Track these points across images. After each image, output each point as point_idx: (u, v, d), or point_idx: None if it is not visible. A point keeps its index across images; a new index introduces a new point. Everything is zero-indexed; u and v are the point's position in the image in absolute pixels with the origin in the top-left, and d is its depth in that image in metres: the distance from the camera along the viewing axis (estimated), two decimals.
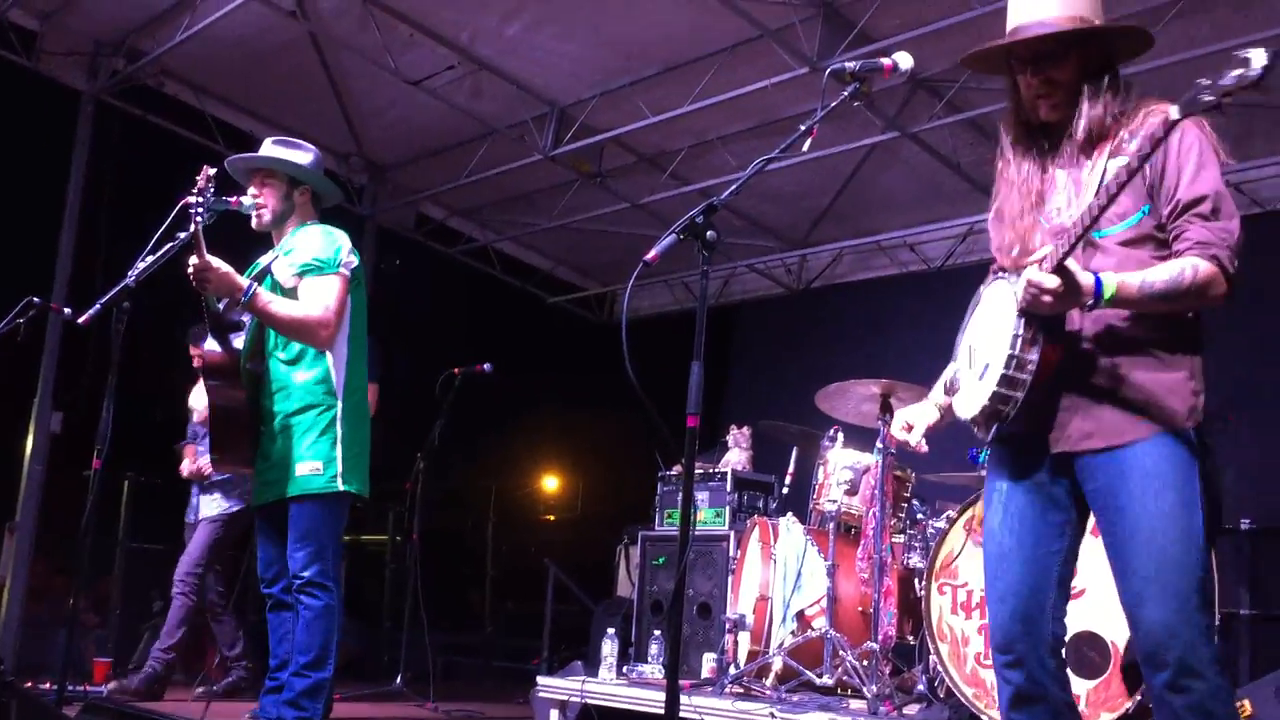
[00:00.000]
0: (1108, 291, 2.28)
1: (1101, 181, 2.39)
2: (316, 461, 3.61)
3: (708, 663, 5.70)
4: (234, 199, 3.73)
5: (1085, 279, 2.28)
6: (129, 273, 3.79)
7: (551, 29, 7.11)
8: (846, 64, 2.73)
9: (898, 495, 5.23)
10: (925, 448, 2.88)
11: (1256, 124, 6.71)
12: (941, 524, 4.89)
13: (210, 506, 5.72)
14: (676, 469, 6.82)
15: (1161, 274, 2.30)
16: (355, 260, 3.79)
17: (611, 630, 6.07)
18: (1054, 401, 2.41)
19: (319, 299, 3.64)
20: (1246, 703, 4.08)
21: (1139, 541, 2.28)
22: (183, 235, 3.66)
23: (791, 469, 6.05)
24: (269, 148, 3.92)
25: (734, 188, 2.63)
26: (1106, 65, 2.47)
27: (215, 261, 3.51)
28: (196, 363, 4.49)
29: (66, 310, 4.90)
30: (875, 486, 4.91)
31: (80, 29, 7.55)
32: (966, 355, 2.60)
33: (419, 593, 6.23)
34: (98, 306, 4.12)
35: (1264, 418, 6.51)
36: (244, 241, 3.97)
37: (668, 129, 7.91)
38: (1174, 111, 2.12)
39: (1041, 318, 2.34)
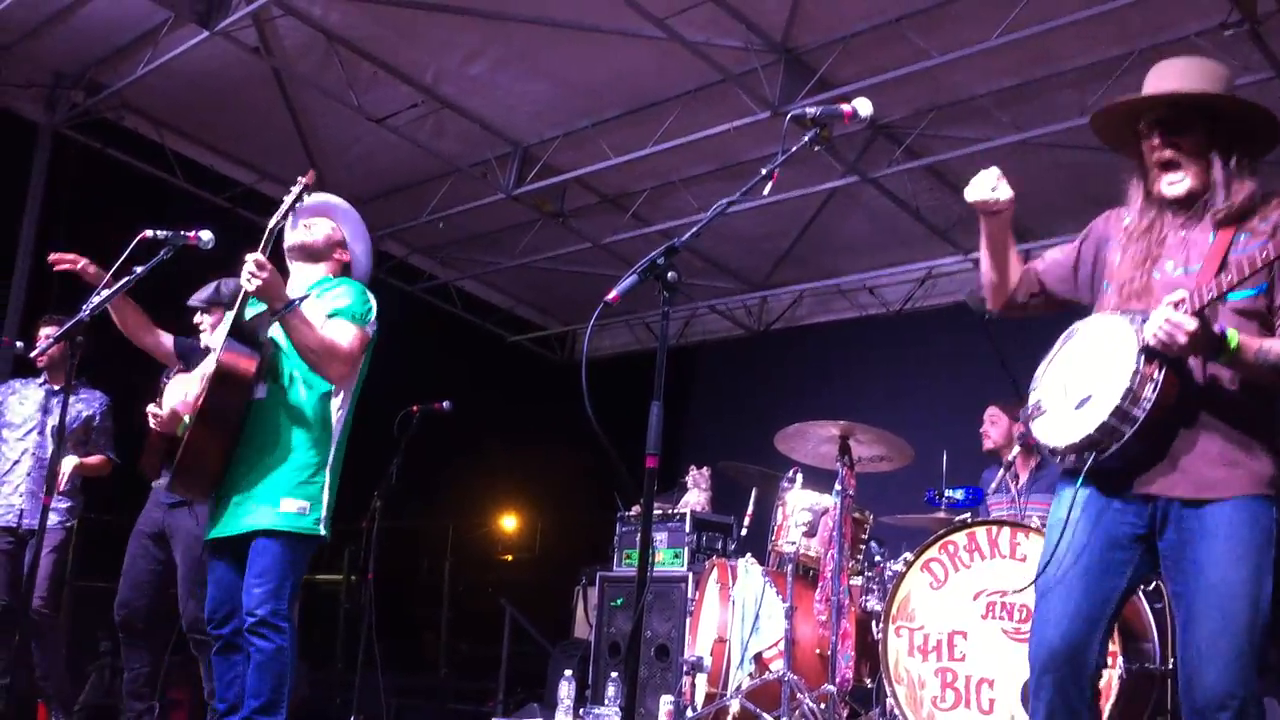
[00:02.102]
0: (1232, 344, 2.36)
1: (1227, 253, 2.45)
2: (304, 501, 3.52)
3: (665, 705, 5.65)
4: (191, 234, 3.69)
5: (1218, 328, 2.36)
6: (83, 307, 3.74)
7: (515, 69, 7.15)
8: (807, 109, 2.76)
9: (856, 537, 5.24)
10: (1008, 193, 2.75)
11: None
12: (899, 566, 4.90)
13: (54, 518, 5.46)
14: (635, 509, 6.80)
15: (1278, 346, 2.39)
16: (374, 329, 3.76)
17: (568, 672, 6.02)
18: (1152, 444, 2.45)
19: (346, 336, 3.61)
20: None
21: (1210, 603, 2.36)
22: (139, 269, 3.63)
23: (750, 510, 6.05)
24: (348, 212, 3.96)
25: (695, 229, 2.65)
26: (1236, 147, 2.54)
27: (270, 265, 3.44)
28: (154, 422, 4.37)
29: (19, 344, 4.84)
30: (834, 528, 4.91)
31: (40, 61, 7.49)
32: (1057, 384, 2.62)
33: (373, 633, 6.15)
34: (50, 341, 4.07)
35: None
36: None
37: (630, 170, 7.95)
38: None
39: (1164, 357, 2.40)
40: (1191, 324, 2.32)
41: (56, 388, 5.55)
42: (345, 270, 3.91)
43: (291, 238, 3.80)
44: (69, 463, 5.37)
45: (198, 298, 4.70)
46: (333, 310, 3.65)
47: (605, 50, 6.76)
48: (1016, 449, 5.58)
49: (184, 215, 3.78)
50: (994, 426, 5.76)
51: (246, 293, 3.47)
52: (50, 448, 5.42)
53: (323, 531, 3.58)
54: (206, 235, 3.80)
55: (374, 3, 6.57)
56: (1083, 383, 2.53)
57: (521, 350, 11.19)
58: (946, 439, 5.68)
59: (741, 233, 8.75)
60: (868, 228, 8.58)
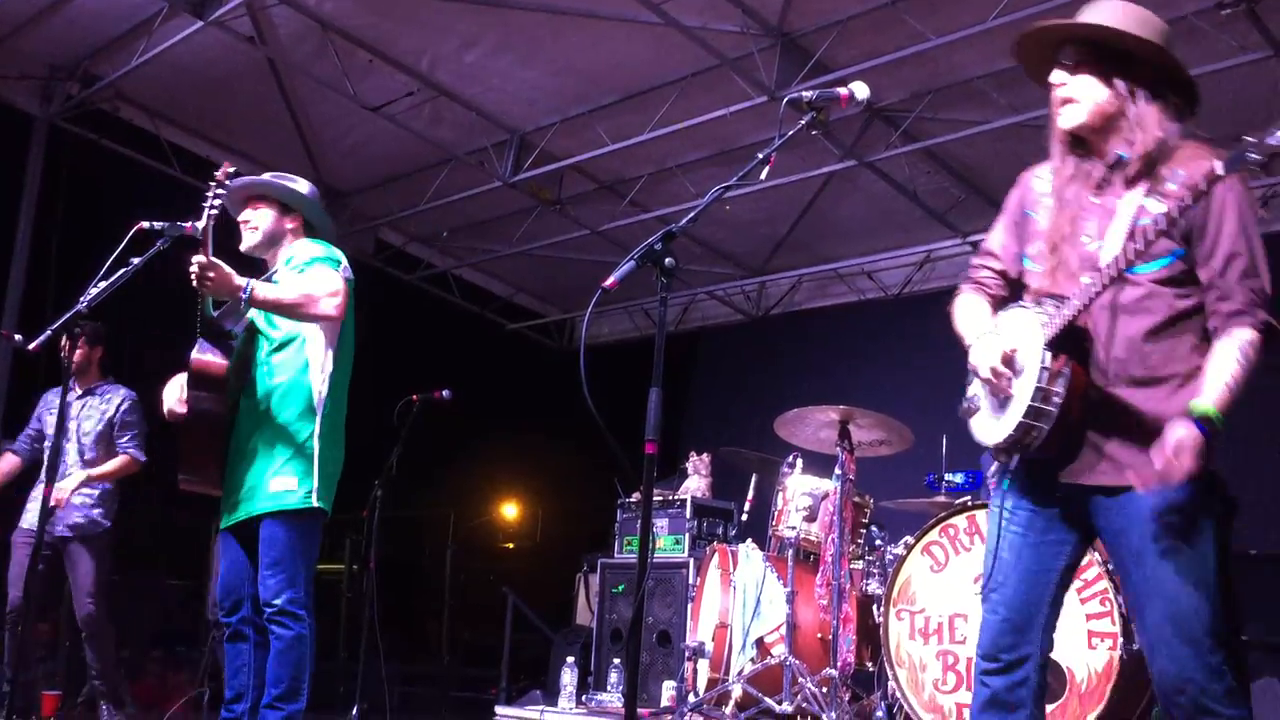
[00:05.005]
0: (1213, 416, 2.26)
1: (1135, 220, 2.37)
2: (291, 477, 3.52)
3: (667, 691, 5.68)
4: (188, 225, 3.68)
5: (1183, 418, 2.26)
6: (81, 298, 3.73)
7: (511, 56, 7.13)
8: (804, 93, 2.76)
9: (856, 521, 5.25)
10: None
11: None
12: (899, 550, 4.91)
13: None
14: (636, 496, 6.81)
15: (1233, 367, 2.31)
16: (349, 274, 3.73)
17: (570, 659, 6.05)
18: (1072, 435, 2.42)
19: (325, 277, 3.58)
20: None
21: (1152, 592, 2.34)
22: (136, 261, 3.62)
23: (751, 495, 6.06)
24: (266, 179, 3.91)
25: (692, 215, 2.64)
26: (1151, 91, 2.44)
27: (218, 261, 3.45)
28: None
29: (17, 336, 4.82)
30: (834, 513, 4.92)
31: (34, 53, 7.46)
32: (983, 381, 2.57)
33: (375, 622, 6.16)
34: (49, 332, 4.06)
35: None
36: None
37: (627, 156, 7.94)
38: (1219, 167, 2.13)
39: (1067, 350, 2.37)
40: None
41: (79, 391, 5.53)
42: (307, 230, 3.90)
43: (245, 242, 3.83)
44: (73, 479, 5.31)
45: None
46: (304, 264, 3.64)
47: (601, 36, 6.74)
48: None
49: (180, 206, 3.76)
50: None
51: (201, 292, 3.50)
52: (69, 452, 5.40)
53: (315, 503, 3.55)
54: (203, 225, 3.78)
55: None
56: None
57: (520, 338, 11.18)
58: (946, 423, 5.64)
59: (739, 218, 8.74)
60: (865, 212, 8.57)
